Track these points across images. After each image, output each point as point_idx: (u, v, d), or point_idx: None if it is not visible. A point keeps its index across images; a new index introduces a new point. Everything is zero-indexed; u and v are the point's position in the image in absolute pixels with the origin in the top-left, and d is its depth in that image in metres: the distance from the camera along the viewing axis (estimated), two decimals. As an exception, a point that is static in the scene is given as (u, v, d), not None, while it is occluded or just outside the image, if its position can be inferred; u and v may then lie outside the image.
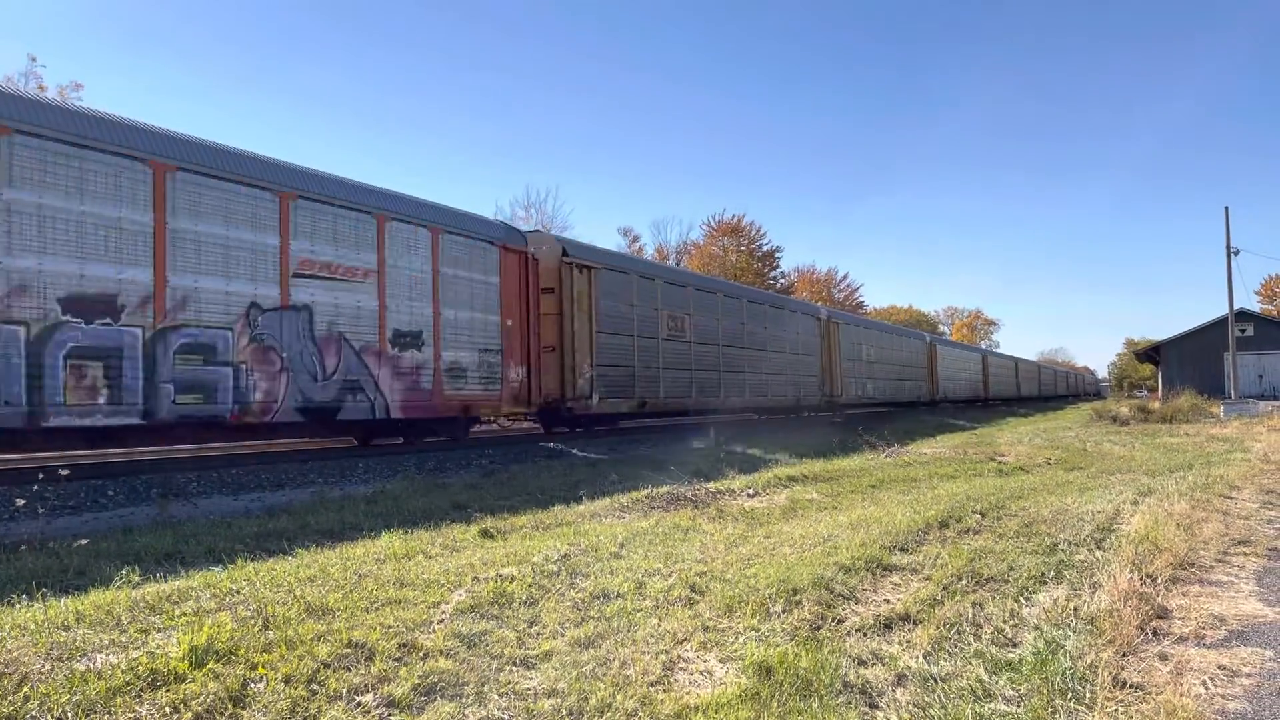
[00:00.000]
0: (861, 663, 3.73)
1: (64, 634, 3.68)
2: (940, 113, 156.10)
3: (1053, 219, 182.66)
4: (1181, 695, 3.33)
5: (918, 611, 4.47)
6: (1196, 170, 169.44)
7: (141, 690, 3.10)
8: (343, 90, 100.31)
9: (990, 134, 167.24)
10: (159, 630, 3.78)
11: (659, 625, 4.11)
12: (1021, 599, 4.78)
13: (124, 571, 4.92)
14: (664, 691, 3.36)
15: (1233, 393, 37.15)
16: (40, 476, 6.29)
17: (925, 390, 38.25)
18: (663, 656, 3.71)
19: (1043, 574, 5.32)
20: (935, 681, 3.52)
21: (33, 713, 2.91)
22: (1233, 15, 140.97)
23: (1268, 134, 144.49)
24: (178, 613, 4.05)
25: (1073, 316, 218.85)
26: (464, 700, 3.21)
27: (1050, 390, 77.50)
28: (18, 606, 4.23)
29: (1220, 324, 44.29)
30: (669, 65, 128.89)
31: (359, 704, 3.12)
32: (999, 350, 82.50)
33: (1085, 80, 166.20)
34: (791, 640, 3.91)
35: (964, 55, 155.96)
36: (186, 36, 77.60)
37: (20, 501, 6.04)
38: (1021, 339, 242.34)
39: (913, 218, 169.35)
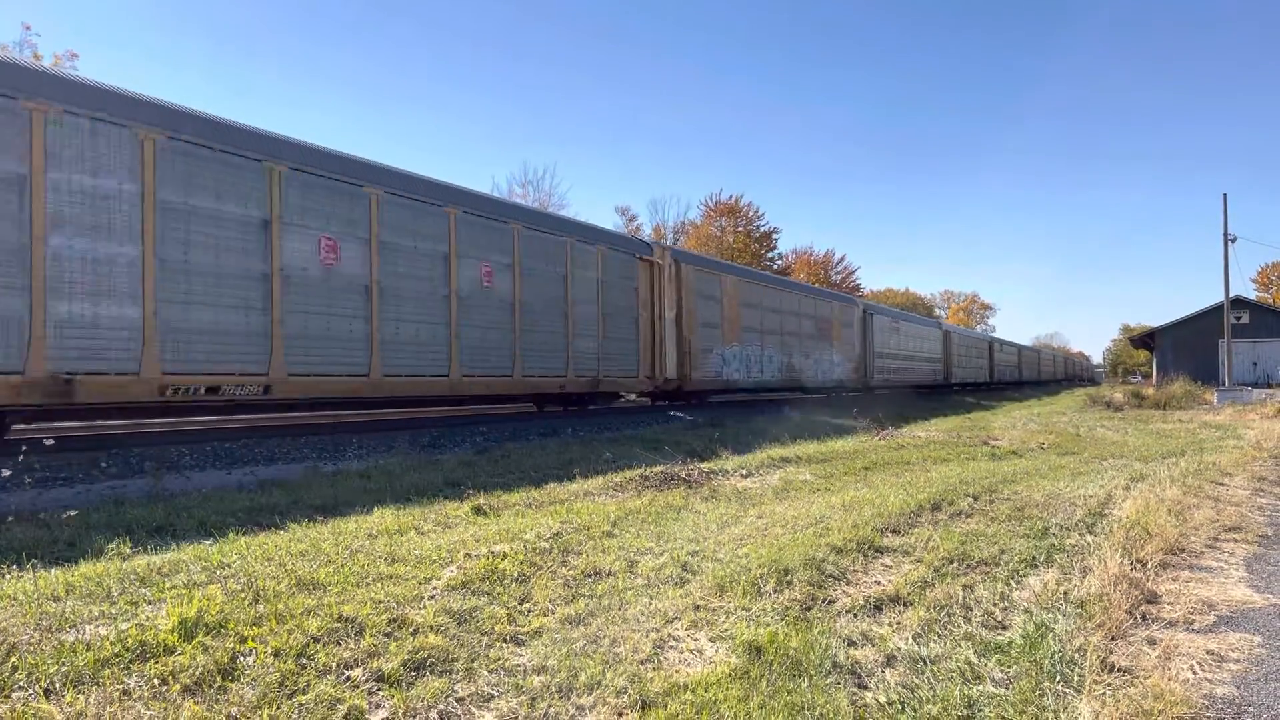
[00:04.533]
0: (851, 643, 3.74)
1: (53, 605, 3.66)
2: (941, 101, 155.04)
3: (1053, 205, 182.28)
4: (1170, 679, 3.34)
5: (908, 593, 4.48)
6: (1195, 157, 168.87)
7: (130, 662, 3.10)
8: (341, 64, 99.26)
9: (992, 123, 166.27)
10: (149, 602, 3.77)
11: (650, 604, 4.11)
12: (1012, 582, 4.79)
13: (115, 543, 4.92)
14: (654, 669, 3.36)
15: (1227, 380, 37.30)
16: (24, 448, 6.25)
17: (851, 371, 28.94)
18: (653, 635, 3.71)
19: (1033, 558, 5.33)
20: (924, 663, 3.53)
21: (21, 683, 2.90)
22: (1234, 11, 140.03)
23: (1266, 121, 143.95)
24: (168, 585, 4.04)
25: (1069, 302, 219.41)
26: (454, 676, 3.21)
27: (1034, 375, 68.95)
28: (7, 577, 4.21)
29: (1216, 311, 44.37)
30: (668, 43, 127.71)
31: (348, 678, 3.12)
32: (983, 332, 78.04)
33: (1090, 73, 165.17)
34: (782, 620, 3.92)
35: (966, 46, 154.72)
36: (185, 7, 76.55)
37: (6, 472, 6.01)
38: (1018, 323, 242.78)
39: (913, 203, 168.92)
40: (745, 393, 23.36)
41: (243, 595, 3.85)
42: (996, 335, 63.37)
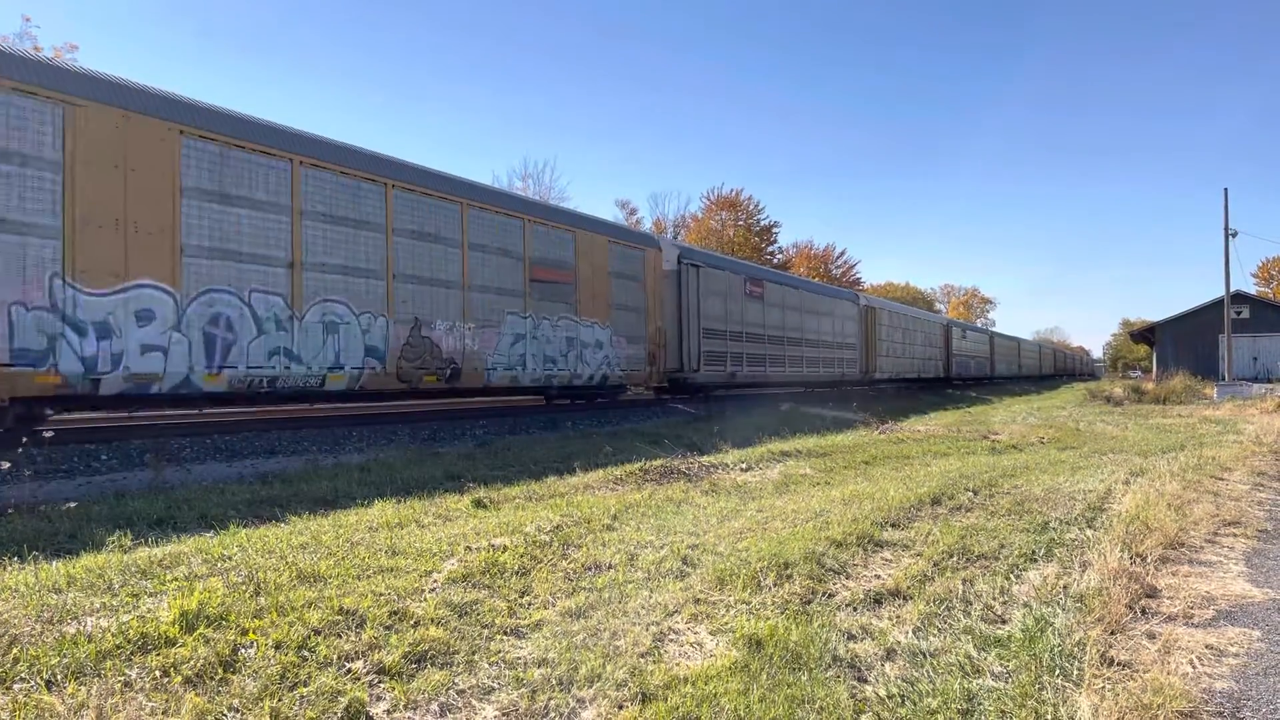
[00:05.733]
0: (851, 637, 3.74)
1: (54, 597, 3.67)
2: (943, 93, 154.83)
3: (1054, 200, 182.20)
4: (1169, 674, 3.35)
5: (908, 587, 4.48)
6: (1196, 152, 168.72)
7: (132, 654, 3.10)
8: (342, 56, 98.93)
9: (994, 118, 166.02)
10: (150, 594, 3.78)
11: (650, 597, 4.11)
12: (1012, 576, 4.80)
13: (116, 535, 4.92)
14: (654, 662, 3.36)
15: (1226, 375, 37.26)
16: (24, 440, 6.24)
17: (642, 360, 16.91)
18: (653, 628, 3.71)
19: (1033, 552, 5.34)
20: (924, 657, 3.53)
21: (22, 674, 2.90)
22: (1234, 4, 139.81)
23: (1268, 116, 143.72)
24: (169, 577, 4.04)
25: (1069, 297, 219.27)
26: (454, 668, 3.21)
27: (1012, 370, 58.62)
28: (8, 569, 4.21)
29: (1216, 306, 44.33)
30: (670, 36, 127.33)
31: (349, 670, 3.12)
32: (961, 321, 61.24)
33: (1090, 68, 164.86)
34: (782, 614, 3.92)
35: (968, 39, 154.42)
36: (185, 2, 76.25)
37: (6, 464, 6.00)
38: (1019, 318, 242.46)
39: (914, 196, 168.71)
40: (220, 400, 10.25)
41: (244, 587, 3.86)
42: (938, 316, 48.44)
